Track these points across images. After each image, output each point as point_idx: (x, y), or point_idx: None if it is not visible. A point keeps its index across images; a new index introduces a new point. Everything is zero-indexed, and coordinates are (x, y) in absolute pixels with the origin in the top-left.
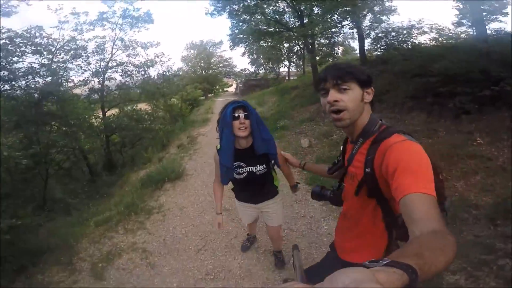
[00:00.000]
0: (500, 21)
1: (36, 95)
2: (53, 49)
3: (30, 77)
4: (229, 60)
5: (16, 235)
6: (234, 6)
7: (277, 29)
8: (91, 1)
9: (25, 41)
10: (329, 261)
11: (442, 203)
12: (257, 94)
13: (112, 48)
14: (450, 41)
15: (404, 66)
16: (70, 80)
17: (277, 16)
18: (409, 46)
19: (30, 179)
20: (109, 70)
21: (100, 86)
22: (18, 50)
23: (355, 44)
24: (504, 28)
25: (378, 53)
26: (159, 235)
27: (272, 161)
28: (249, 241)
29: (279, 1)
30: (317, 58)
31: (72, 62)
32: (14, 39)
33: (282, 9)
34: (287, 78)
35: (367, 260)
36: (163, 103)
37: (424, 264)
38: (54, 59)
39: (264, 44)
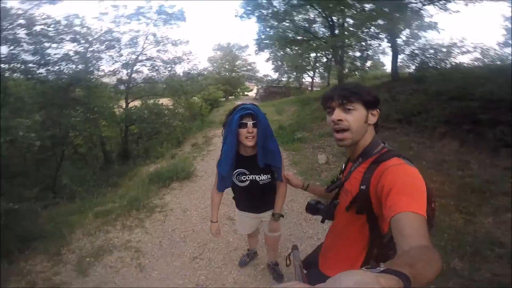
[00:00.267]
0: None
1: (66, 81)
2: (90, 39)
3: (63, 63)
4: (252, 65)
5: (12, 219)
6: (263, 11)
7: (305, 38)
8: None
9: (65, 29)
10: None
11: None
12: (277, 102)
13: (144, 43)
14: (496, 62)
15: (442, 86)
16: (101, 69)
17: (307, 25)
18: (448, 66)
19: (46, 160)
20: (138, 64)
21: (127, 77)
22: (58, 37)
23: (384, 59)
24: None
25: (412, 71)
26: (156, 236)
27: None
28: (249, 256)
29: (310, 10)
30: (345, 71)
31: (105, 52)
32: (55, 26)
33: (312, 18)
34: (309, 88)
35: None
36: (184, 100)
37: (416, 274)
38: (89, 48)
39: (290, 52)
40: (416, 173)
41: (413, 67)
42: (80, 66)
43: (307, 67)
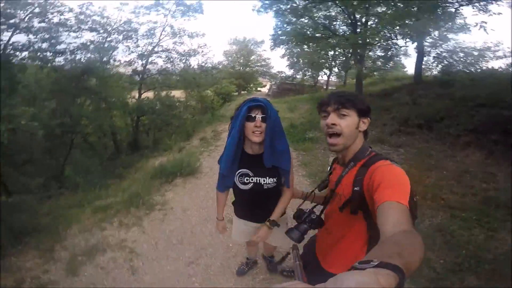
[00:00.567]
0: None
1: (79, 70)
2: (109, 29)
3: (79, 52)
4: (267, 60)
5: (7, 212)
6: (281, 6)
7: (324, 35)
8: None
9: (83, 18)
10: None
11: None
12: (290, 99)
13: (161, 34)
14: None
15: (470, 91)
16: (117, 60)
17: (327, 22)
18: (478, 70)
19: (54, 148)
20: (154, 55)
21: (142, 68)
22: (76, 26)
23: (405, 60)
24: None
25: (437, 74)
26: (153, 237)
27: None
28: (248, 265)
29: (332, 7)
30: (364, 70)
31: (122, 43)
32: (74, 15)
33: (334, 15)
34: (324, 87)
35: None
36: (196, 93)
37: (406, 263)
38: (107, 38)
39: (307, 49)
40: (401, 171)
41: (438, 70)
42: (95, 55)
43: (325, 64)
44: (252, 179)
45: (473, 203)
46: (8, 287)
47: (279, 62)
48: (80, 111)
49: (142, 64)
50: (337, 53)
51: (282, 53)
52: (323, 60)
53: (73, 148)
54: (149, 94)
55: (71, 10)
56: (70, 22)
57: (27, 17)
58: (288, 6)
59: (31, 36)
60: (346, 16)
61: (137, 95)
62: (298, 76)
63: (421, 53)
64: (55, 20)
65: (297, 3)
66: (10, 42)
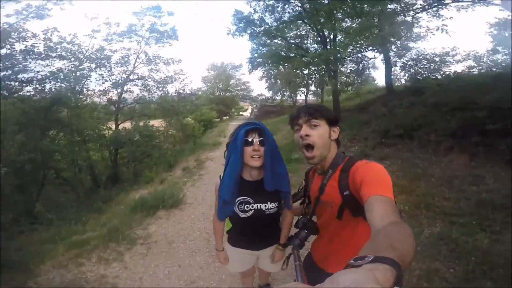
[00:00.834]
0: None
1: (49, 100)
2: (81, 57)
3: (48, 81)
4: (246, 84)
5: None
6: (255, 28)
7: (297, 54)
8: (124, 13)
9: (52, 45)
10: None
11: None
12: (271, 121)
13: (135, 61)
14: (493, 69)
15: (441, 97)
16: (90, 89)
17: (299, 41)
18: (443, 75)
19: (24, 185)
20: (129, 83)
21: (117, 97)
22: (44, 54)
23: (374, 73)
24: None
25: (406, 83)
26: (137, 272)
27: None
28: None
29: (301, 26)
30: (338, 85)
31: (96, 71)
32: (44, 42)
33: (304, 34)
34: None
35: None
36: (176, 121)
37: (400, 255)
38: (79, 66)
39: (282, 70)
40: (380, 167)
41: (406, 79)
42: (66, 84)
43: (301, 83)
44: (252, 206)
45: (468, 207)
46: None
47: (258, 85)
48: (52, 145)
49: (118, 93)
50: (311, 70)
51: (260, 75)
52: (299, 79)
53: (46, 184)
54: (127, 125)
55: (34, 35)
56: (38, 49)
57: None
58: (262, 28)
59: None
60: (315, 33)
61: (113, 126)
62: (277, 97)
63: (388, 64)
64: (19, 47)
65: (270, 24)
66: None
